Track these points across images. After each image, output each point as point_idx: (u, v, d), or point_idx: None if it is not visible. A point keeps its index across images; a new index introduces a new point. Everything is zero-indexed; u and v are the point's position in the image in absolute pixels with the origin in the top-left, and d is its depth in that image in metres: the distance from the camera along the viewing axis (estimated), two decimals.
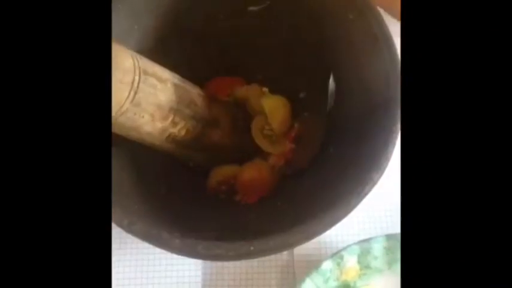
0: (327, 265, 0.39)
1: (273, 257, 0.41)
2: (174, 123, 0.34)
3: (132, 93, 0.30)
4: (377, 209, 0.44)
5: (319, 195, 0.34)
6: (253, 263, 0.42)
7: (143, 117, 0.32)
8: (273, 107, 0.42)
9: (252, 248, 0.28)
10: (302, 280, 0.38)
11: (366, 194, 0.31)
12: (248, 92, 0.43)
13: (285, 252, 0.42)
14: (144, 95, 0.31)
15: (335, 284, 0.39)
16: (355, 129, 0.36)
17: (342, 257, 0.39)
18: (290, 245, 0.30)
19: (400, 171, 0.23)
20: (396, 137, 0.32)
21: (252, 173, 0.41)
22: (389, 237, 0.40)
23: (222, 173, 0.41)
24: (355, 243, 0.40)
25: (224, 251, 0.29)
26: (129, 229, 0.29)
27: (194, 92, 0.37)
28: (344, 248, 0.39)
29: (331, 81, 0.41)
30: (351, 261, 0.39)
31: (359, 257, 0.40)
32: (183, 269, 0.41)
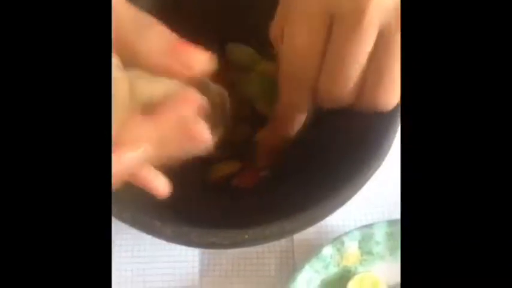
0: (327, 250, 0.38)
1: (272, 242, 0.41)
2: None
3: None
4: (379, 194, 0.43)
5: (320, 179, 0.33)
6: (252, 248, 0.41)
7: None
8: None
9: (246, 236, 0.27)
10: (301, 266, 0.38)
11: (368, 178, 0.30)
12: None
13: None
14: None
15: (335, 269, 0.39)
16: (355, 112, 0.35)
17: (342, 243, 0.39)
18: (289, 232, 0.30)
19: (400, 158, 0.22)
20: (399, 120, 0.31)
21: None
22: (391, 223, 0.39)
23: (221, 170, 0.40)
24: (356, 229, 0.39)
25: (218, 239, 0.28)
26: (120, 216, 0.28)
27: None
28: (345, 233, 0.39)
29: None
30: (351, 247, 0.39)
31: (360, 242, 0.39)
32: (179, 254, 0.41)
